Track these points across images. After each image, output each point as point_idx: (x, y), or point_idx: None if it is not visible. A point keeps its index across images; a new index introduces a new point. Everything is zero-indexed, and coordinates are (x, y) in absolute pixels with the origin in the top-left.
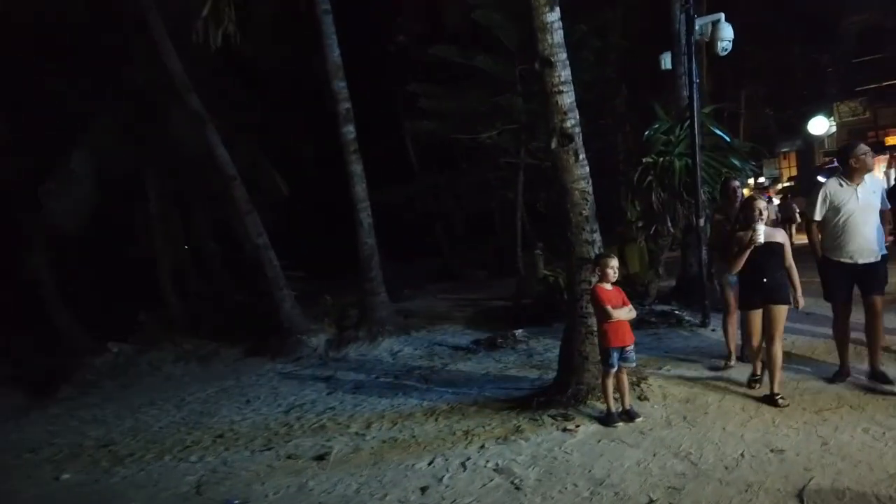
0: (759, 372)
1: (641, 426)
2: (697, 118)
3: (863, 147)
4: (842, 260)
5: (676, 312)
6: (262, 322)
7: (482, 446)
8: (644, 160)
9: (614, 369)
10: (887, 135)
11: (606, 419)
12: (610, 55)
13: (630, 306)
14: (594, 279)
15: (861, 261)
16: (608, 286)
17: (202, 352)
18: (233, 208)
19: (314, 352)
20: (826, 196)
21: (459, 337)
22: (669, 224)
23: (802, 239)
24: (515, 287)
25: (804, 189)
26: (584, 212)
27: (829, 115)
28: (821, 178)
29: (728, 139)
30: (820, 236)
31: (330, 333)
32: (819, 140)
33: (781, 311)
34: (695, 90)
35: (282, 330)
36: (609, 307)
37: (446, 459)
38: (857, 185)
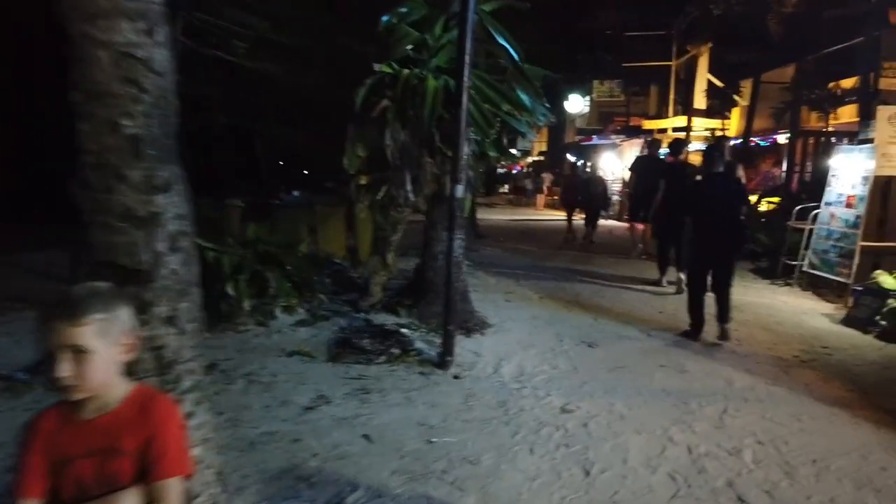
0: None
1: None
2: (472, 12)
3: None
4: None
5: (405, 332)
6: None
7: None
8: (376, 68)
9: None
10: (637, 121)
11: None
12: None
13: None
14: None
15: None
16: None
17: None
18: None
19: None
20: None
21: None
22: (409, 186)
23: (548, 213)
24: None
25: (552, 164)
26: (127, 122)
27: (585, 93)
28: (569, 157)
29: (516, 57)
30: None
31: None
32: (572, 118)
33: None
34: None
35: None
36: None
37: None
38: None
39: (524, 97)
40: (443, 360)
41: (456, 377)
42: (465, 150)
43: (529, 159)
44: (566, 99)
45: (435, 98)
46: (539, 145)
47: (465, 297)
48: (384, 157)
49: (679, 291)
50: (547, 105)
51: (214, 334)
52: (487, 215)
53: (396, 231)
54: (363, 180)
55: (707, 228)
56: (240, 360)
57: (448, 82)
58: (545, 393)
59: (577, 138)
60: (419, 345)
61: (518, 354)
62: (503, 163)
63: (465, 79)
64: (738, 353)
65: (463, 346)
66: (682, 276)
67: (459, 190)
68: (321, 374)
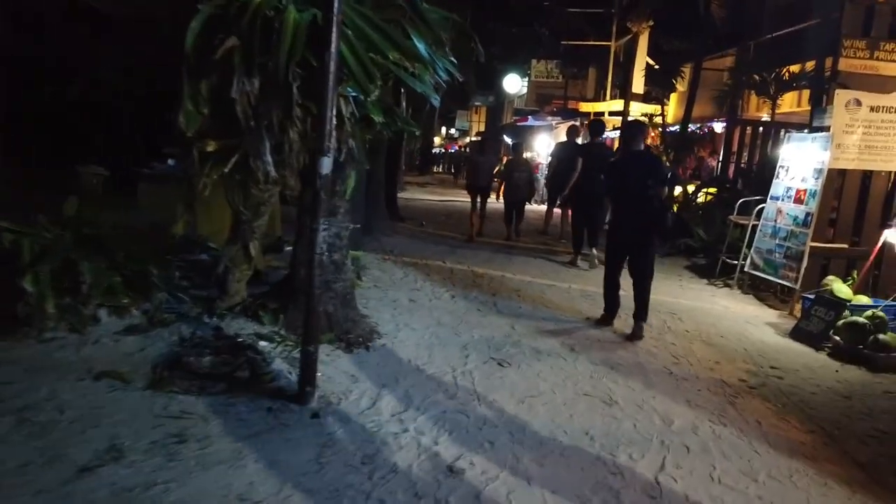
0: None
1: None
2: None
3: None
4: None
5: (263, 345)
6: None
7: None
8: None
9: None
10: (575, 104)
11: None
12: None
13: None
14: None
15: None
16: None
17: None
18: None
19: None
20: None
21: None
22: (268, 157)
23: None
24: None
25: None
26: None
27: (524, 73)
28: (507, 139)
29: None
30: None
31: None
32: (510, 98)
33: None
34: None
35: None
36: None
37: None
38: None
39: (420, 45)
40: (302, 391)
41: (315, 415)
42: (343, 109)
43: (467, 139)
44: (504, 78)
45: (296, 36)
46: (477, 125)
47: (349, 302)
48: (234, 115)
49: (593, 267)
50: (452, 59)
51: (10, 343)
52: (417, 195)
53: (259, 214)
54: (210, 147)
55: (622, 209)
56: (24, 385)
57: (317, 17)
58: (432, 439)
59: (514, 119)
60: (278, 365)
61: (408, 378)
62: (443, 142)
63: (336, 10)
64: (677, 374)
65: (337, 365)
66: (595, 251)
67: (326, 164)
68: (129, 409)
